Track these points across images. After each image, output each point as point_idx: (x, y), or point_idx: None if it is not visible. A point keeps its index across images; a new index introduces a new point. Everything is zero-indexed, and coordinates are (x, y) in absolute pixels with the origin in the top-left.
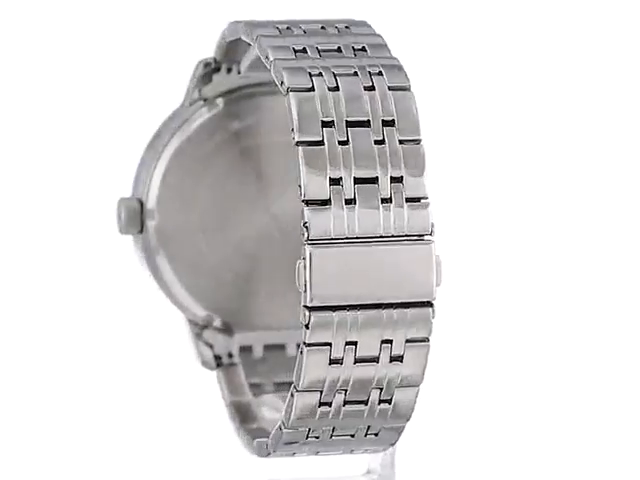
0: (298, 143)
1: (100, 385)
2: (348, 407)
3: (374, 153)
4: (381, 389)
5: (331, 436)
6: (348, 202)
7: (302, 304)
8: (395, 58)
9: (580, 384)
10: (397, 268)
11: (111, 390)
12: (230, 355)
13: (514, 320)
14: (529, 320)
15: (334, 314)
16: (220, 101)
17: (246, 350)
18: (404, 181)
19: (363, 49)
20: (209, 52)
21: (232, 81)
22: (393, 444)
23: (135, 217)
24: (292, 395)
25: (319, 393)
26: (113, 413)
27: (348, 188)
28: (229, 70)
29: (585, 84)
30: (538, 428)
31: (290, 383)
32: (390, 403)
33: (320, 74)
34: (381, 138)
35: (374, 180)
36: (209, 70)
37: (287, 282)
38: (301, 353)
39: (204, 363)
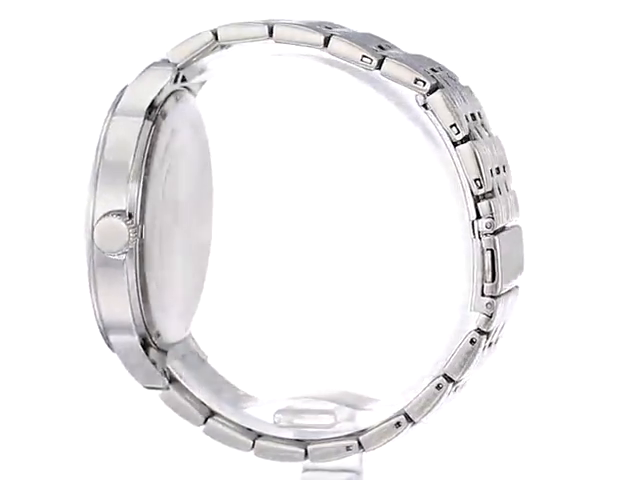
0: (464, 139)
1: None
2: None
3: (493, 144)
4: None
5: None
6: (499, 192)
7: (482, 294)
8: (423, 55)
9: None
10: (518, 250)
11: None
12: (164, 372)
13: None
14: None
15: (502, 300)
16: (168, 107)
17: (178, 362)
18: (506, 171)
19: (382, 47)
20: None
21: (172, 87)
22: None
23: (136, 232)
24: (439, 387)
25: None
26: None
27: (495, 178)
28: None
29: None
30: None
31: None
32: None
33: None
34: (484, 130)
35: (499, 170)
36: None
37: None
38: (479, 346)
39: (159, 385)
